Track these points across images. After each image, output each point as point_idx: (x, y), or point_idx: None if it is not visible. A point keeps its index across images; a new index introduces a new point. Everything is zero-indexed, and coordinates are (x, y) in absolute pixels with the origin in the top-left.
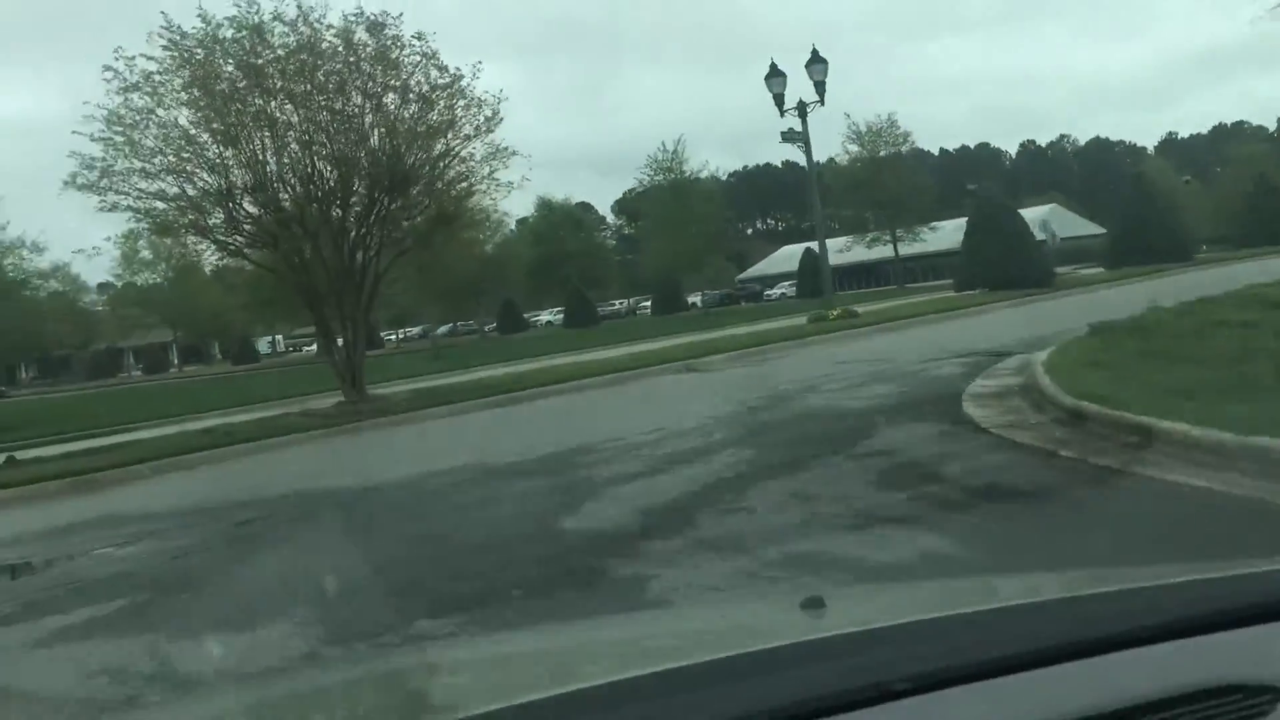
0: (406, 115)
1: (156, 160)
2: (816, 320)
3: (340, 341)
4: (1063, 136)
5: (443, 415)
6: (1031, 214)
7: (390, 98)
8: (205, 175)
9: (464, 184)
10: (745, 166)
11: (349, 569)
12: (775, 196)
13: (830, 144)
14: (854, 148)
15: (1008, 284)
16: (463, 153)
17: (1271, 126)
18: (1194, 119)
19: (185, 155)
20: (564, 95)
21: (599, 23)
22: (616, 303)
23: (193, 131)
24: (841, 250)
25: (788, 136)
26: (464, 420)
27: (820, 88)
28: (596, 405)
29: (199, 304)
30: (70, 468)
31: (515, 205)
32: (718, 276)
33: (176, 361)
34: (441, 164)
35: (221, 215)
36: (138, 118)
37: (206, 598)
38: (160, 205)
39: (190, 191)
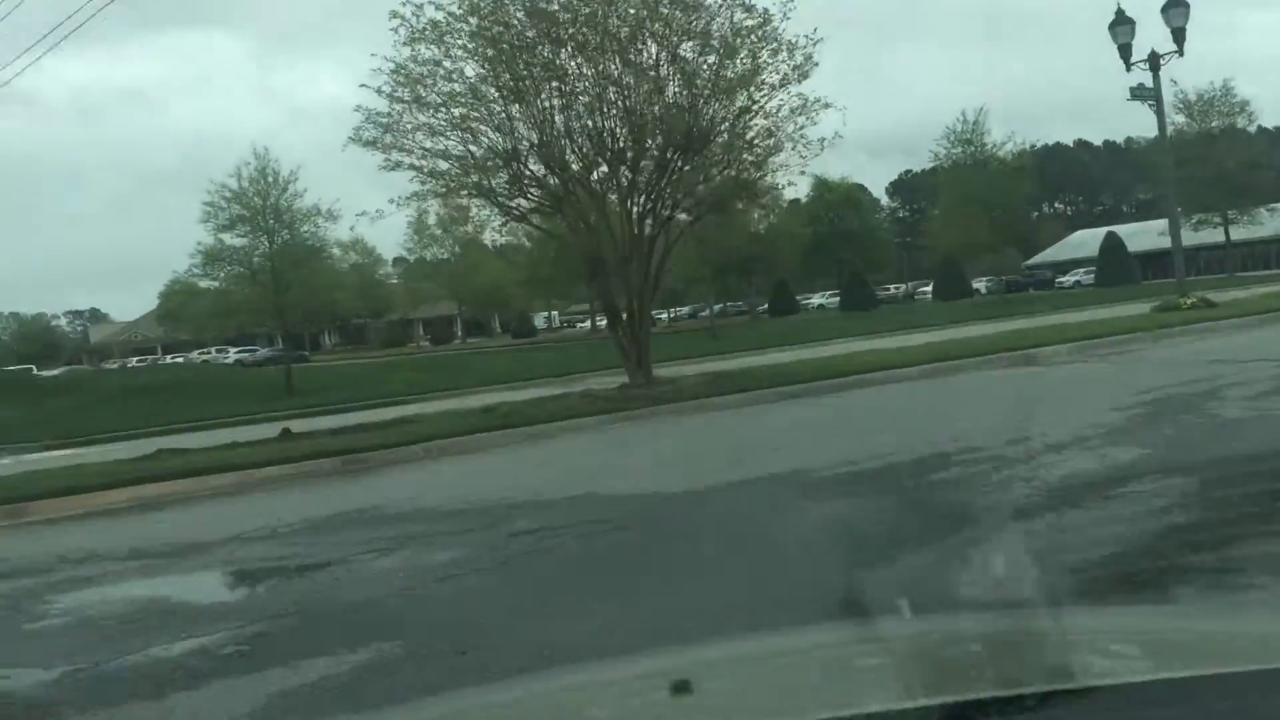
0: (705, 65)
1: (441, 115)
2: (1166, 309)
3: (625, 317)
4: None
5: (741, 404)
6: None
7: (689, 44)
8: (490, 133)
9: (769, 140)
10: (1031, 145)
11: (679, 629)
12: (1064, 178)
13: (1146, 117)
14: (1180, 118)
15: None
16: (768, 105)
17: None
18: None
19: (471, 111)
20: (835, 70)
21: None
22: (893, 287)
23: (480, 86)
24: (1161, 233)
25: (1137, 93)
26: (766, 412)
27: (1179, 35)
28: (925, 402)
29: (482, 278)
30: (343, 445)
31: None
32: (1003, 262)
33: (460, 334)
34: (743, 120)
35: (505, 176)
36: (424, 70)
37: (471, 661)
38: (443, 165)
39: (475, 151)
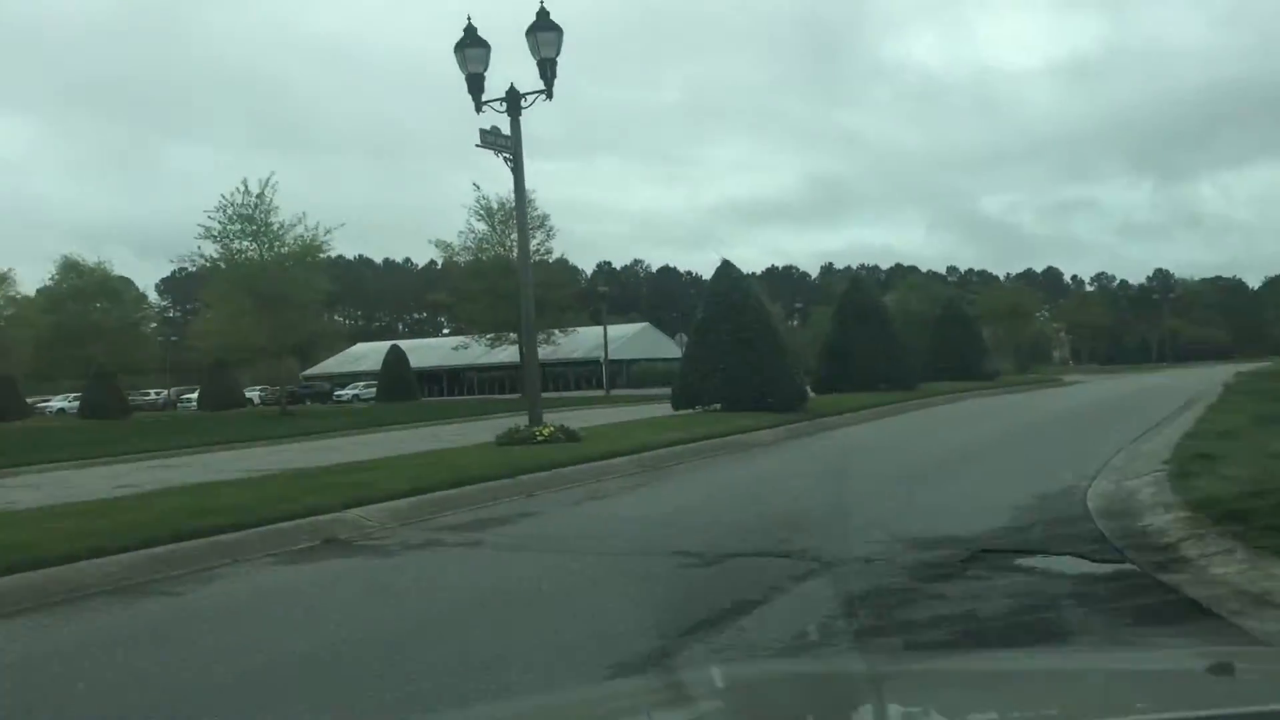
0: None
1: None
2: (518, 442)
3: None
4: (636, 261)
5: None
6: (621, 331)
7: None
8: None
9: None
10: (327, 232)
11: None
12: (344, 291)
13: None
14: (481, 225)
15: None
16: None
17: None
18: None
19: None
20: (96, 161)
21: (131, 88)
22: (154, 392)
23: None
24: (456, 349)
25: (489, 139)
26: None
27: (548, 68)
28: None
29: None
30: None
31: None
32: (281, 370)
33: None
34: None
35: None
36: None
37: None
38: None
39: None
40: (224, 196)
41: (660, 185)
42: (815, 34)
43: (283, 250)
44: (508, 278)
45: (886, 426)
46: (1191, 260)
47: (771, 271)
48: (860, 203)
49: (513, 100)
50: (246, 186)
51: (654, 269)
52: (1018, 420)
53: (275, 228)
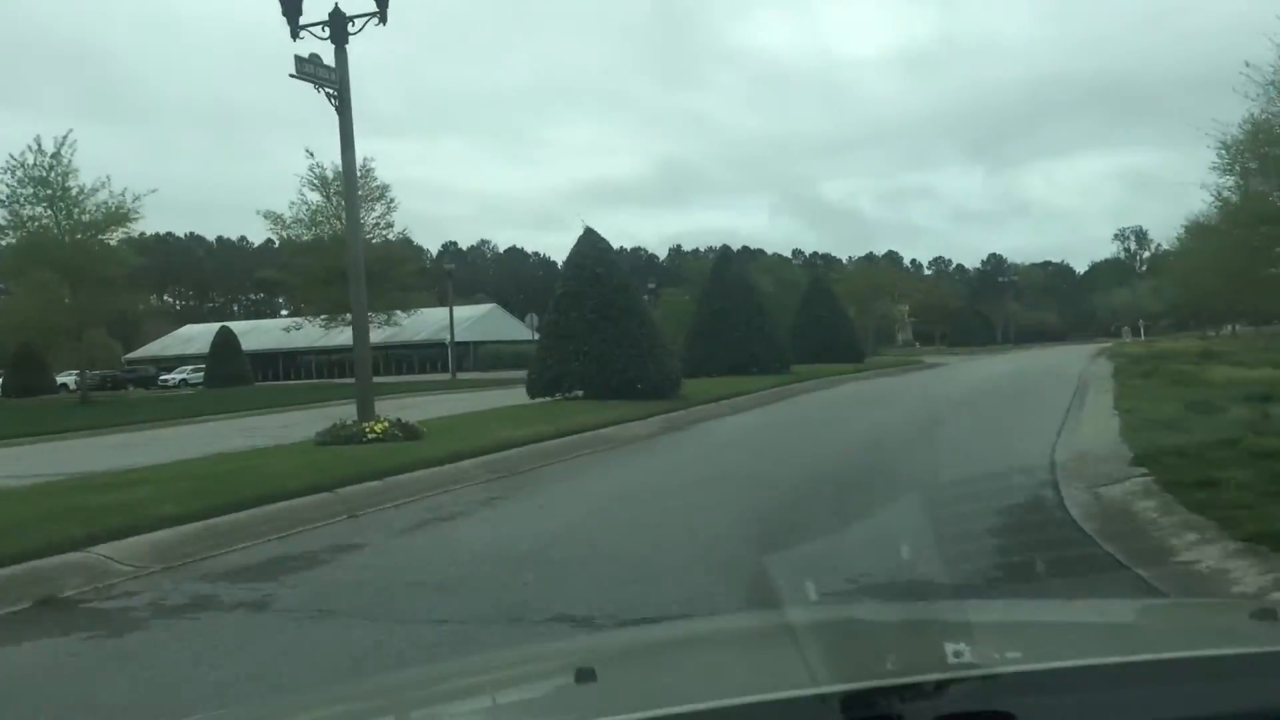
0: None
1: None
2: (343, 440)
3: None
4: (483, 242)
5: None
6: (468, 312)
7: None
8: None
9: None
10: (136, 199)
11: None
12: (173, 271)
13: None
14: (315, 196)
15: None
16: None
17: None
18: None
19: None
20: None
21: None
22: None
23: None
24: (289, 330)
25: (307, 69)
26: None
27: None
28: None
29: None
30: None
31: None
32: (100, 354)
33: None
34: None
35: None
36: None
37: None
38: None
39: None
40: (13, 157)
41: (508, 166)
42: (663, 17)
43: (83, 218)
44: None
45: (772, 415)
46: (1022, 246)
47: (620, 253)
48: (707, 186)
49: (338, 24)
50: (40, 145)
51: (501, 250)
52: (917, 407)
53: (74, 193)
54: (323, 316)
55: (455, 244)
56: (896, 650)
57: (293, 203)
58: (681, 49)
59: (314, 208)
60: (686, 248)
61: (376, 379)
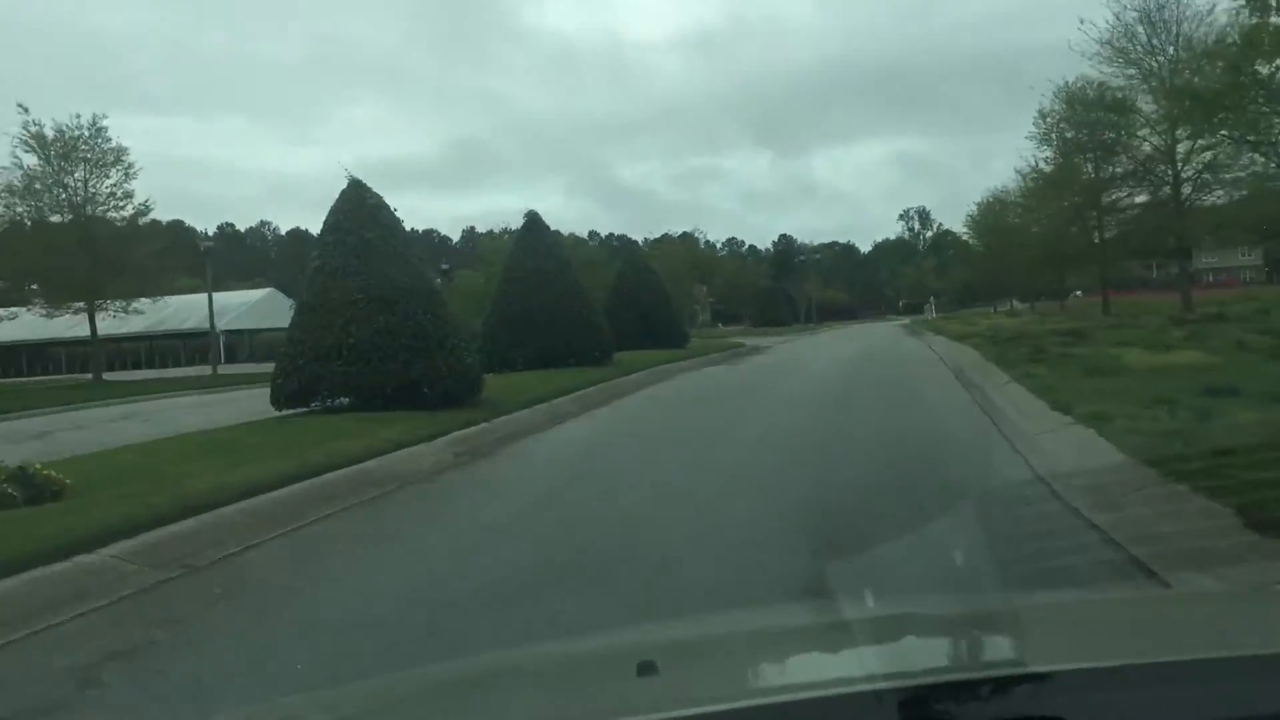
0: None
1: None
2: None
3: None
4: (263, 223)
5: None
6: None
7: None
8: None
9: None
10: None
11: None
12: None
13: None
14: (31, 159)
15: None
16: None
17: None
18: None
19: None
20: None
21: None
22: None
23: None
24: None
25: None
26: None
27: None
28: None
29: None
30: None
31: None
32: None
33: None
34: None
35: None
36: None
37: None
38: None
39: None
40: None
41: (292, 146)
42: None
43: None
44: (68, 229)
45: (610, 425)
46: (810, 227)
47: (411, 235)
48: (501, 167)
49: None
50: None
51: (283, 232)
52: (790, 409)
53: None
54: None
55: (231, 225)
56: (949, 648)
57: (2, 167)
58: (471, 26)
59: (33, 174)
60: (481, 229)
61: (128, 375)
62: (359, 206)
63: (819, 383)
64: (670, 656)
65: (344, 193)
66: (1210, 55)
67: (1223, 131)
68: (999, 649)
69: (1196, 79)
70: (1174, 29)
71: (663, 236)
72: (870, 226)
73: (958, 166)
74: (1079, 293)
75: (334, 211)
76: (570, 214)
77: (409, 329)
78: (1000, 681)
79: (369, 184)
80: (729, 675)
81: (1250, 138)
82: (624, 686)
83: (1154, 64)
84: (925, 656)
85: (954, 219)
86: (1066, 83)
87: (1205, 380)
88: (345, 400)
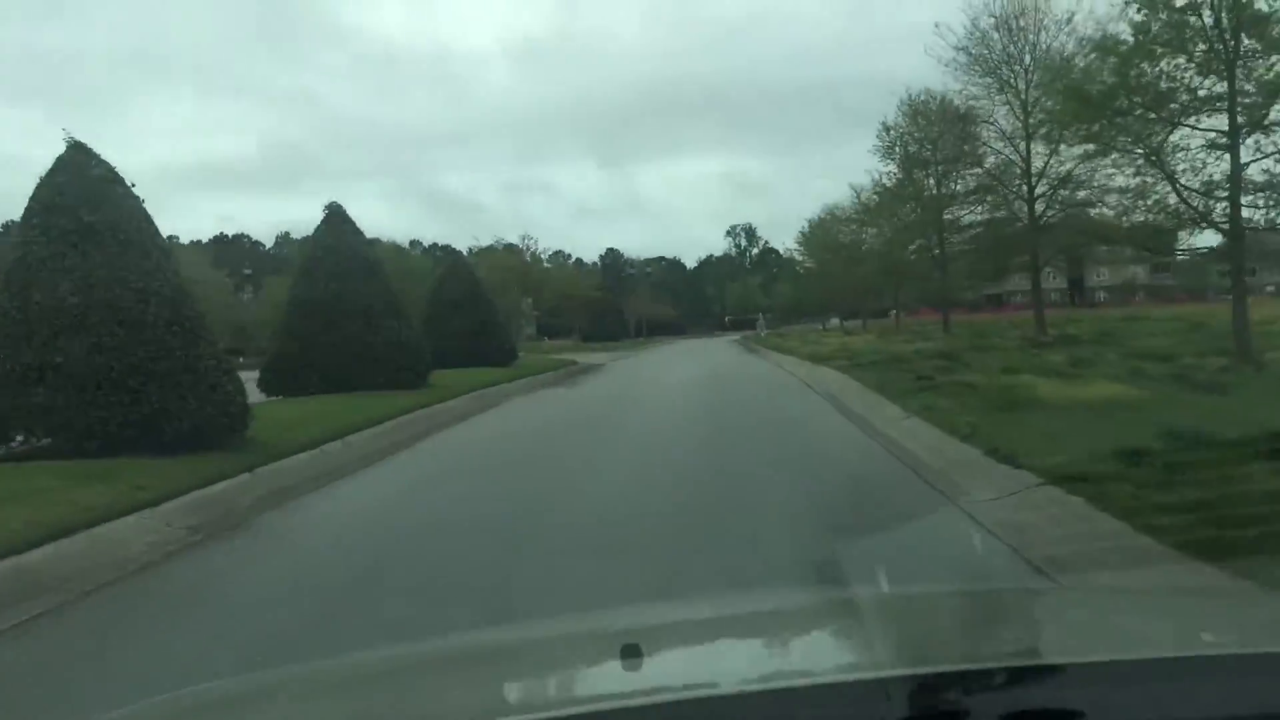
0: None
1: None
2: None
3: None
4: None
5: None
6: None
7: None
8: None
9: None
10: None
11: None
12: None
13: None
14: None
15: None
16: None
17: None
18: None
19: None
20: None
21: None
22: None
23: None
24: None
25: None
26: None
27: None
28: None
29: None
30: None
31: None
32: None
33: None
34: None
35: None
36: None
37: None
38: None
39: None
40: None
41: (88, 143)
42: None
43: None
44: None
45: (416, 477)
46: (637, 242)
47: (220, 240)
48: (320, 171)
49: None
50: None
51: None
52: (644, 448)
53: None
54: None
55: (13, 222)
56: (960, 636)
57: None
58: (287, 25)
59: None
60: (297, 234)
61: None
62: (80, 179)
63: (675, 415)
64: (659, 641)
65: (60, 160)
66: (1101, 50)
67: (1114, 134)
68: (1015, 639)
69: (1083, 78)
70: (1031, 37)
71: (489, 246)
72: (696, 243)
73: (783, 186)
74: (895, 312)
75: (44, 185)
76: (393, 222)
77: (145, 345)
78: (1015, 672)
79: (172, 185)
80: (725, 660)
81: (1139, 149)
82: (609, 669)
83: (1010, 73)
84: (938, 644)
85: (779, 236)
86: (910, 96)
87: (1153, 419)
88: (46, 441)
